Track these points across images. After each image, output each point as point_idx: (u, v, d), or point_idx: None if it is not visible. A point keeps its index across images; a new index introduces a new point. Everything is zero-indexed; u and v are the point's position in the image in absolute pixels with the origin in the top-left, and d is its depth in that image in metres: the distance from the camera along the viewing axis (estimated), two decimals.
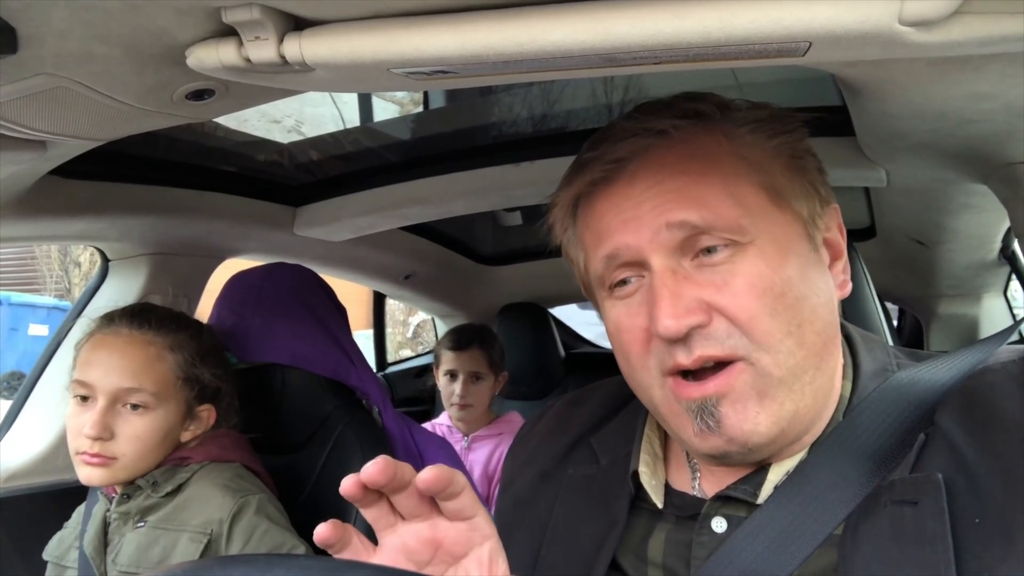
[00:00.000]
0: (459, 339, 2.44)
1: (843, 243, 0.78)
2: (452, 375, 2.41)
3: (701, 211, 0.69)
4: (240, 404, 1.45)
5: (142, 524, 1.29)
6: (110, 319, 1.32)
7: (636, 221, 0.71)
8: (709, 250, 0.69)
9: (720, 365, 0.68)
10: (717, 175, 0.70)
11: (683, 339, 0.68)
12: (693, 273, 0.69)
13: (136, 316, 1.32)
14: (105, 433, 1.23)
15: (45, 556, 1.39)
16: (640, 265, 0.71)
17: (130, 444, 1.26)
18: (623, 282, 0.73)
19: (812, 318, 0.70)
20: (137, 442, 1.26)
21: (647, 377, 0.72)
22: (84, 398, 1.27)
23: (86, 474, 1.26)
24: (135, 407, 1.26)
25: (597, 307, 0.81)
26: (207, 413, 1.36)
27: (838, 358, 0.76)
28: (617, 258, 0.72)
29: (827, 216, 0.76)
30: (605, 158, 0.73)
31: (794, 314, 0.69)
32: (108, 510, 1.33)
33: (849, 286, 0.77)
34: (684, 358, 0.68)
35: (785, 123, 0.75)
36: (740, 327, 0.68)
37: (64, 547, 1.39)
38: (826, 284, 0.73)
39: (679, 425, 0.71)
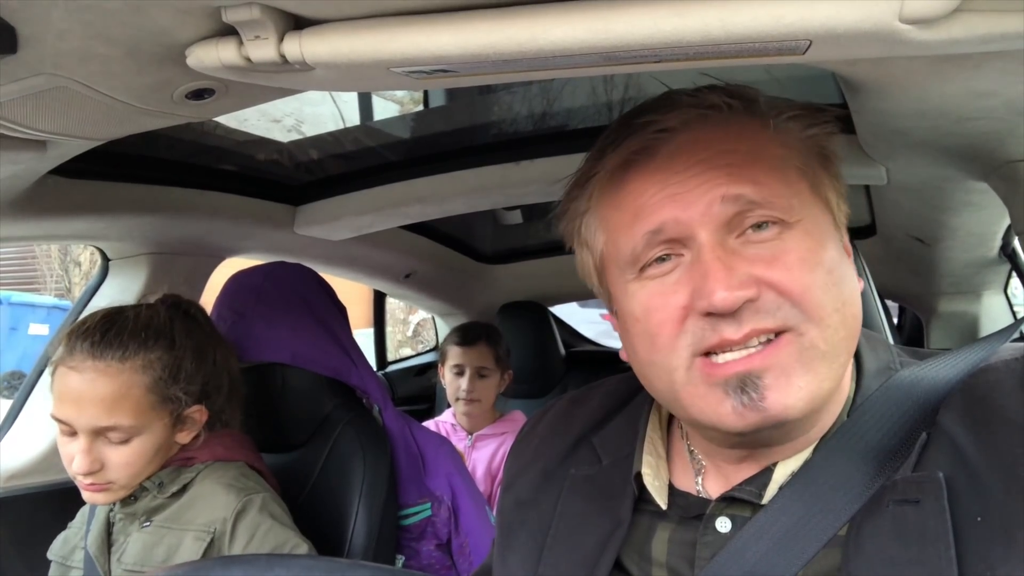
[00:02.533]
0: (467, 335, 2.46)
1: (849, 244, 0.78)
2: (459, 370, 2.42)
3: (757, 187, 0.69)
4: None
5: (148, 524, 1.29)
6: (71, 348, 1.24)
7: (684, 196, 0.69)
8: (757, 227, 0.69)
9: (765, 339, 0.68)
10: (766, 157, 0.71)
11: (733, 314, 0.66)
12: (740, 249, 0.69)
13: (98, 344, 1.23)
14: (94, 466, 1.22)
15: (49, 555, 1.39)
16: (681, 242, 0.70)
17: (121, 471, 1.24)
18: (660, 260, 0.71)
19: (850, 301, 0.71)
20: (128, 468, 1.25)
21: (673, 359, 0.70)
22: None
23: (88, 497, 1.26)
24: (117, 439, 1.24)
25: (608, 294, 0.79)
26: (199, 414, 1.33)
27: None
28: (661, 233, 0.70)
29: (843, 213, 0.77)
30: (654, 126, 0.72)
31: (839, 292, 0.69)
32: (112, 510, 1.33)
33: (862, 282, 0.77)
34: (733, 333, 0.66)
35: (819, 116, 0.76)
36: (792, 299, 0.67)
37: (69, 547, 1.39)
38: (853, 273, 0.74)
39: (706, 407, 0.69)
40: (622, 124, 0.75)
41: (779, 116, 0.74)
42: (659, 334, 0.70)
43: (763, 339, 0.67)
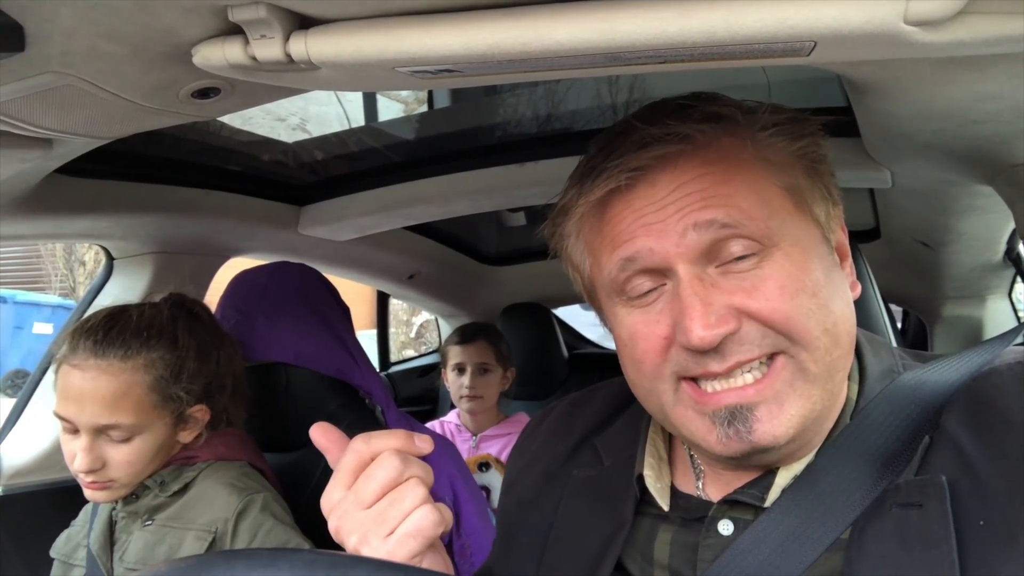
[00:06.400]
0: (465, 334, 2.48)
1: (847, 244, 0.78)
2: (460, 369, 2.43)
3: (728, 210, 0.68)
4: None
5: (150, 523, 1.30)
6: (74, 346, 1.24)
7: (660, 225, 0.69)
8: (738, 258, 0.68)
9: (759, 365, 0.67)
10: (742, 177, 0.69)
11: (715, 349, 0.66)
12: (720, 280, 0.68)
13: (100, 343, 1.23)
14: (96, 464, 1.22)
15: (52, 553, 1.39)
16: (661, 273, 0.70)
17: (122, 469, 1.25)
18: (637, 291, 0.71)
19: (841, 319, 0.70)
20: (129, 466, 1.25)
21: (659, 384, 0.71)
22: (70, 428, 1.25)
23: (90, 495, 1.27)
24: (119, 437, 1.24)
25: (601, 314, 0.80)
26: (201, 413, 1.33)
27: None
28: (636, 262, 0.70)
29: (836, 218, 0.76)
30: (628, 165, 0.70)
31: (827, 313, 0.68)
32: (114, 509, 1.34)
33: (859, 287, 0.76)
34: (717, 366, 0.67)
35: (805, 127, 0.74)
36: (776, 328, 0.67)
37: (72, 545, 1.39)
38: (845, 285, 0.73)
39: (695, 431, 0.70)
40: (597, 164, 0.73)
41: (761, 132, 0.72)
42: (644, 361, 0.71)
43: (753, 367, 0.67)
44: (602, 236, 0.74)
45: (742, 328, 0.67)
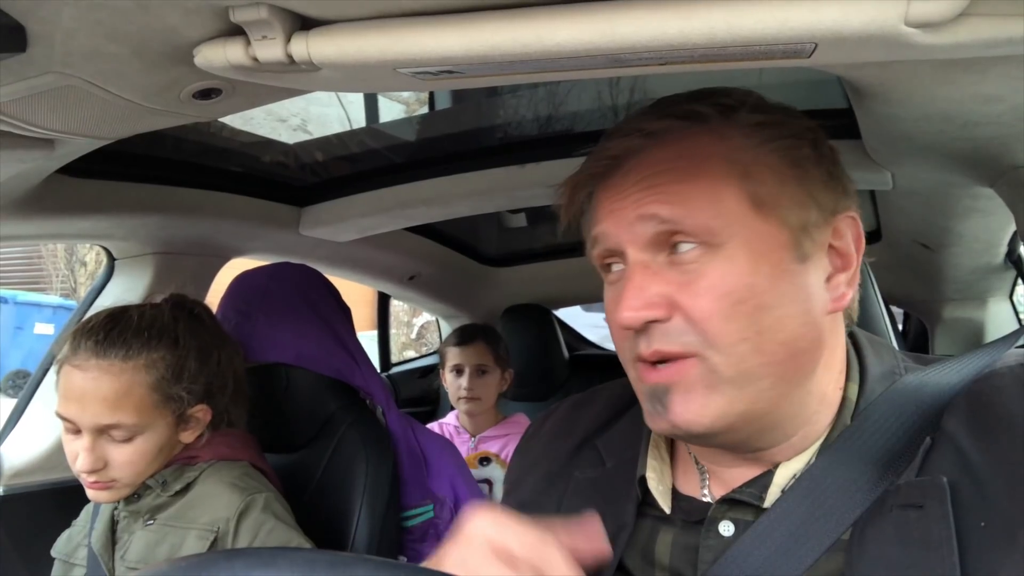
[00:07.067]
0: (463, 335, 2.48)
1: (855, 254, 0.75)
2: (458, 370, 2.43)
3: (673, 208, 0.70)
4: None
5: (152, 522, 1.30)
6: (76, 347, 1.25)
7: (619, 212, 0.73)
8: (686, 251, 0.71)
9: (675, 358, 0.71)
10: (701, 176, 0.71)
11: (643, 331, 0.70)
12: (664, 269, 0.71)
13: (101, 343, 1.24)
14: (97, 464, 1.23)
15: (53, 553, 1.39)
16: (622, 255, 0.74)
17: (124, 469, 1.25)
18: (610, 267, 0.77)
19: (776, 327, 0.69)
20: (131, 466, 1.25)
21: (627, 357, 0.75)
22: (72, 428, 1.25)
23: (92, 495, 1.27)
24: (121, 437, 1.24)
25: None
26: (202, 413, 1.34)
27: (825, 367, 0.74)
28: (599, 243, 0.76)
29: (839, 224, 0.74)
30: (601, 154, 0.76)
31: (751, 321, 0.68)
32: (116, 508, 1.34)
33: (846, 300, 0.74)
34: (644, 348, 0.71)
35: (788, 128, 0.73)
36: (694, 325, 0.69)
37: (72, 545, 1.39)
38: (804, 295, 0.71)
39: (643, 406, 0.75)
40: (593, 149, 0.80)
41: (735, 131, 0.72)
42: (615, 334, 0.76)
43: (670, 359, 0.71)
44: (590, 218, 0.79)
45: (672, 320, 0.70)
